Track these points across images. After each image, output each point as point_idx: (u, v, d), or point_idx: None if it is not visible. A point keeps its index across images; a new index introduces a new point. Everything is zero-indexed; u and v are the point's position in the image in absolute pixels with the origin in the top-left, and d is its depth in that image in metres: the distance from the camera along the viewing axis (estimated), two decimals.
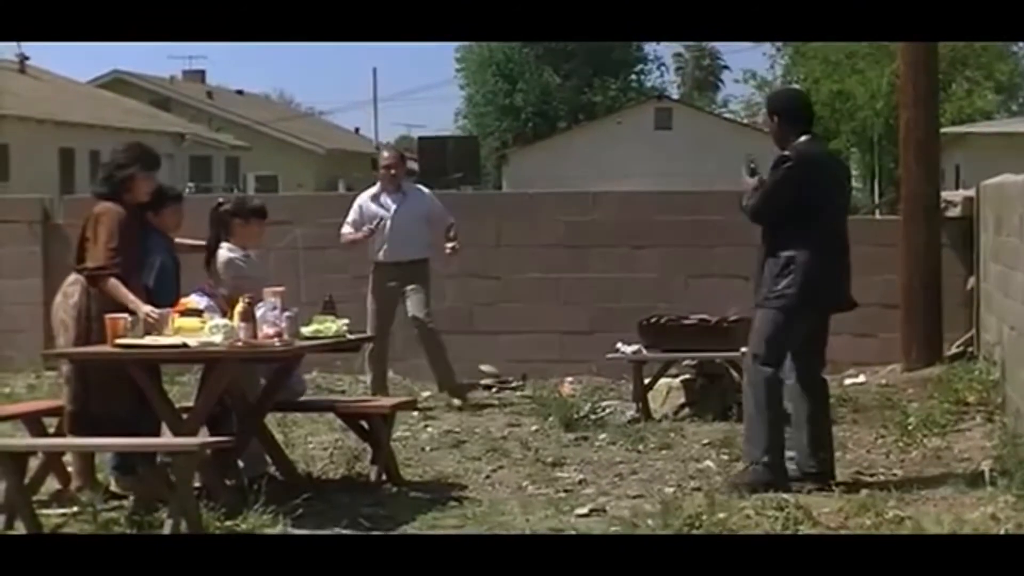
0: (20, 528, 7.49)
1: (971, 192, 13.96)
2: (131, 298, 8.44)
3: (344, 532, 7.69)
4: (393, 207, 12.30)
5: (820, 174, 8.74)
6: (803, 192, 8.59)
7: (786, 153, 8.70)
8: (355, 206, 12.48)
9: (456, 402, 12.29)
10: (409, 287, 12.26)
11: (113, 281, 8.47)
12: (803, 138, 8.77)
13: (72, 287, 8.69)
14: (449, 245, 12.31)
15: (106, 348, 8.27)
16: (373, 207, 12.37)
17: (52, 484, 8.63)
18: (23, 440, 8.84)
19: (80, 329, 8.51)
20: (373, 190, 12.53)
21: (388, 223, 12.26)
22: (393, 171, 12.40)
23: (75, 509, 8.06)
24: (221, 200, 9.56)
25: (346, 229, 12.43)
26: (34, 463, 8.26)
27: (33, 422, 8.98)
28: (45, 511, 8.02)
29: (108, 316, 8.35)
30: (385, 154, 12.86)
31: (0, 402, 11.95)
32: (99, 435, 8.20)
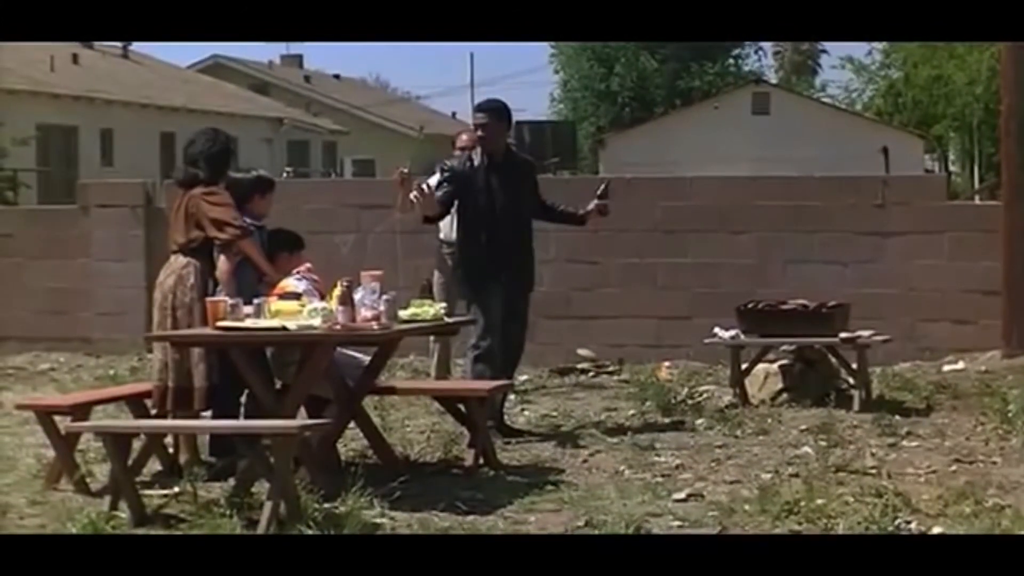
0: (124, 508, 7.59)
1: None
2: (263, 261, 8.97)
3: (440, 512, 7.74)
4: None
5: (456, 179, 10.32)
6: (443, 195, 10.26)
7: None
8: (423, 185, 12.29)
9: None
10: None
11: (248, 241, 8.88)
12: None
13: (186, 270, 8.82)
14: None
15: (207, 331, 8.36)
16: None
17: (154, 465, 8.76)
18: (127, 421, 8.97)
19: (203, 310, 8.60)
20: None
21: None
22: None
23: (176, 490, 8.15)
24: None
25: None
26: (137, 445, 8.37)
27: (136, 404, 9.13)
28: (147, 491, 8.12)
29: (208, 299, 8.46)
30: (464, 136, 12.26)
31: (104, 384, 12.14)
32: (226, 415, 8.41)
